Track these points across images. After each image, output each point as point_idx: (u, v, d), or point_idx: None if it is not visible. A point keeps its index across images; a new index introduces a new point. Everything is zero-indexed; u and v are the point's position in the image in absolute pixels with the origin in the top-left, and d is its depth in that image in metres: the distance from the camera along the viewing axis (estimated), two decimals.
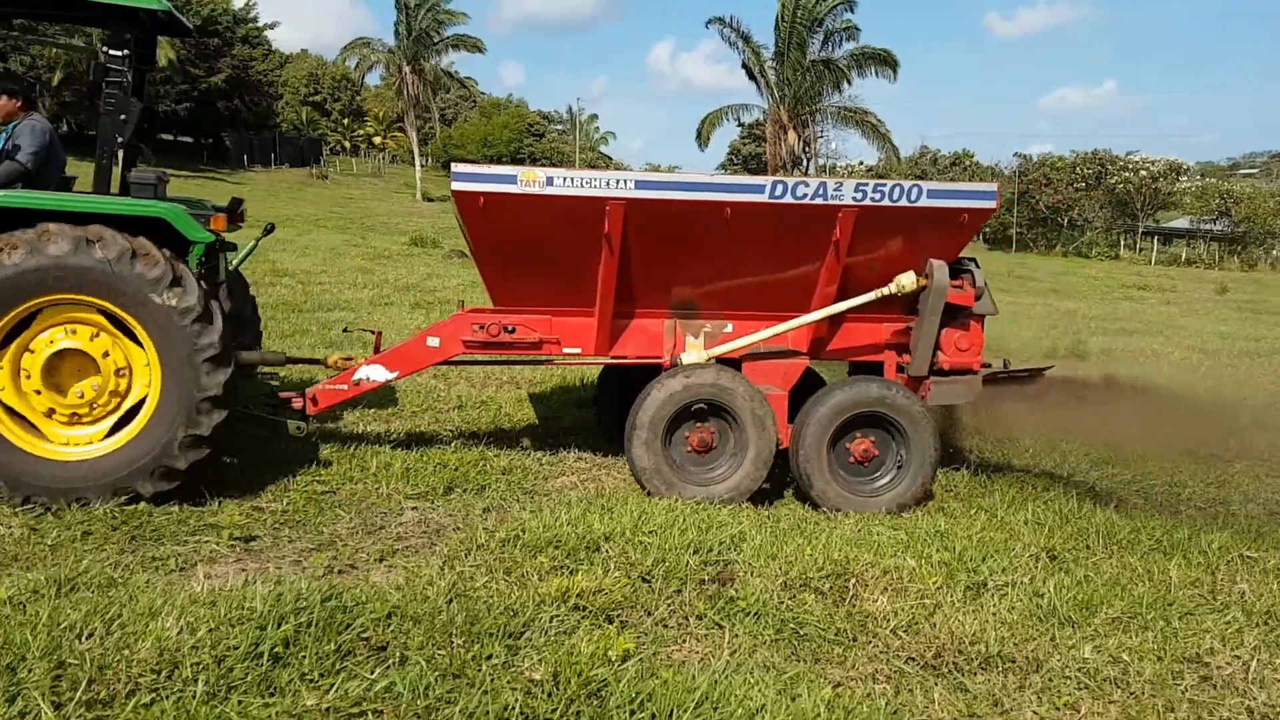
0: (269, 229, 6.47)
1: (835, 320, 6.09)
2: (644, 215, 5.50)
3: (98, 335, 5.20)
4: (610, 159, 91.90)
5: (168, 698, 3.04)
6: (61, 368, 5.22)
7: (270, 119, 63.78)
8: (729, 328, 6.08)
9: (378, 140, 74.06)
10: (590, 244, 5.56)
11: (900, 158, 50.34)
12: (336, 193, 48.28)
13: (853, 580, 4.43)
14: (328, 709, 3.09)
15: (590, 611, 3.99)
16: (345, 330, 9.94)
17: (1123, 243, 53.25)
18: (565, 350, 6.04)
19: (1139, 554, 5.20)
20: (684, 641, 3.91)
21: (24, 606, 3.59)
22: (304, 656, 3.34)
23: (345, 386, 6.02)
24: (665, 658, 3.72)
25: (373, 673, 3.32)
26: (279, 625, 3.46)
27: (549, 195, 5.38)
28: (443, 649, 3.54)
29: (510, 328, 5.94)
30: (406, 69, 54.89)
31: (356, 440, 6.65)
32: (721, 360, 6.02)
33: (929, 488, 5.99)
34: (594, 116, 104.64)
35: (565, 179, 5.41)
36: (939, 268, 5.81)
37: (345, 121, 74.28)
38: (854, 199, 5.60)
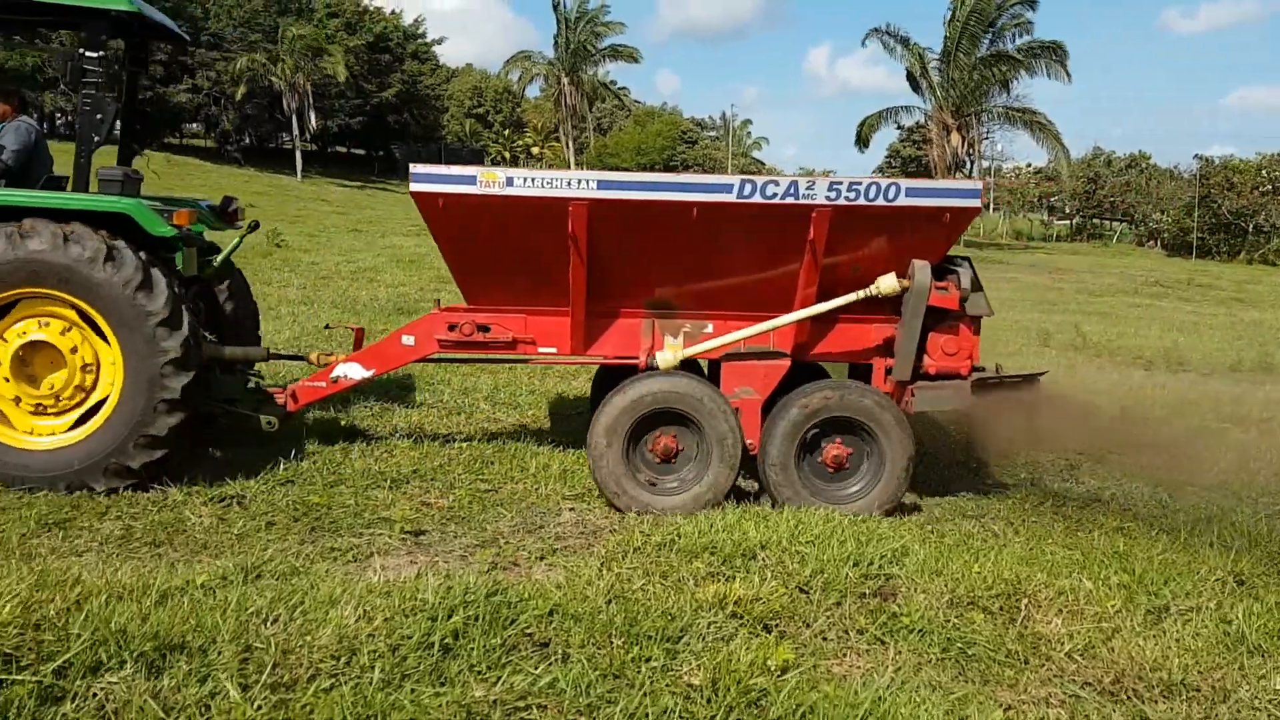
0: (254, 226, 6.63)
1: (822, 322, 5.85)
2: (610, 215, 5.39)
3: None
4: (763, 164, 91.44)
5: (346, 683, 3.18)
6: (34, 360, 5.43)
7: (436, 131, 66.30)
8: (709, 328, 5.91)
9: (535, 150, 75.88)
10: (558, 244, 5.48)
11: (1070, 159, 48.16)
12: None
13: (1024, 600, 4.25)
14: (495, 701, 3.17)
15: (747, 620, 3.97)
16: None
17: None
18: (541, 350, 5.99)
19: None
20: (844, 655, 3.84)
21: (214, 592, 3.81)
22: (472, 649, 3.45)
23: (324, 384, 6.11)
24: (825, 671, 3.66)
25: (536, 668, 3.39)
26: (449, 617, 3.57)
27: (510, 196, 5.32)
28: (603, 649, 3.59)
29: (484, 326, 5.93)
30: (565, 80, 56.15)
31: (516, 441, 6.83)
32: (709, 361, 5.83)
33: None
34: (747, 122, 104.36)
35: (526, 179, 5.33)
36: (920, 269, 5.52)
37: (506, 133, 76.41)
38: (827, 199, 5.38)
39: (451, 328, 5.93)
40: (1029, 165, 60.86)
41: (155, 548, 4.73)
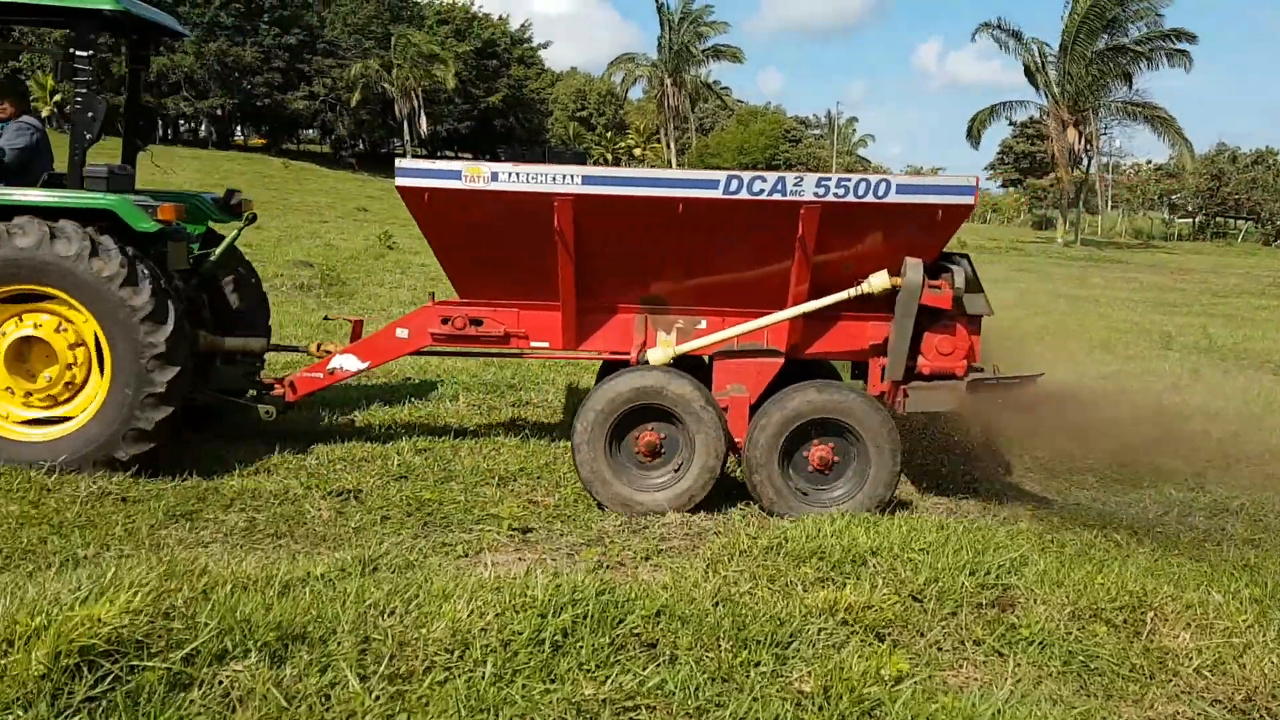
0: (252, 219, 6.65)
1: (817, 320, 5.68)
2: (595, 211, 5.30)
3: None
4: (868, 162, 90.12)
5: (459, 677, 3.23)
6: (30, 354, 5.54)
7: (541, 134, 67.25)
8: (703, 324, 5.79)
9: (637, 152, 76.29)
10: (546, 239, 5.41)
11: (1194, 155, 46.17)
12: None
13: (1150, 614, 4.07)
14: (604, 700, 3.18)
15: (859, 627, 3.89)
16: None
17: None
18: (533, 344, 5.93)
19: None
20: (960, 667, 3.74)
21: (333, 584, 3.89)
22: (581, 647, 3.46)
23: (321, 375, 6.14)
24: (941, 682, 3.56)
25: (645, 669, 3.39)
26: (558, 614, 3.59)
27: (495, 191, 5.27)
28: (711, 651, 3.56)
29: (477, 320, 5.89)
30: (668, 81, 56.26)
31: None
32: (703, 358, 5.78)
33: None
34: (853, 120, 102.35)
35: (511, 174, 5.26)
36: (912, 266, 5.32)
37: (608, 135, 77.08)
38: (815, 195, 5.22)
39: (445, 321, 5.94)
40: (1149, 161, 58.64)
41: (277, 539, 4.89)
